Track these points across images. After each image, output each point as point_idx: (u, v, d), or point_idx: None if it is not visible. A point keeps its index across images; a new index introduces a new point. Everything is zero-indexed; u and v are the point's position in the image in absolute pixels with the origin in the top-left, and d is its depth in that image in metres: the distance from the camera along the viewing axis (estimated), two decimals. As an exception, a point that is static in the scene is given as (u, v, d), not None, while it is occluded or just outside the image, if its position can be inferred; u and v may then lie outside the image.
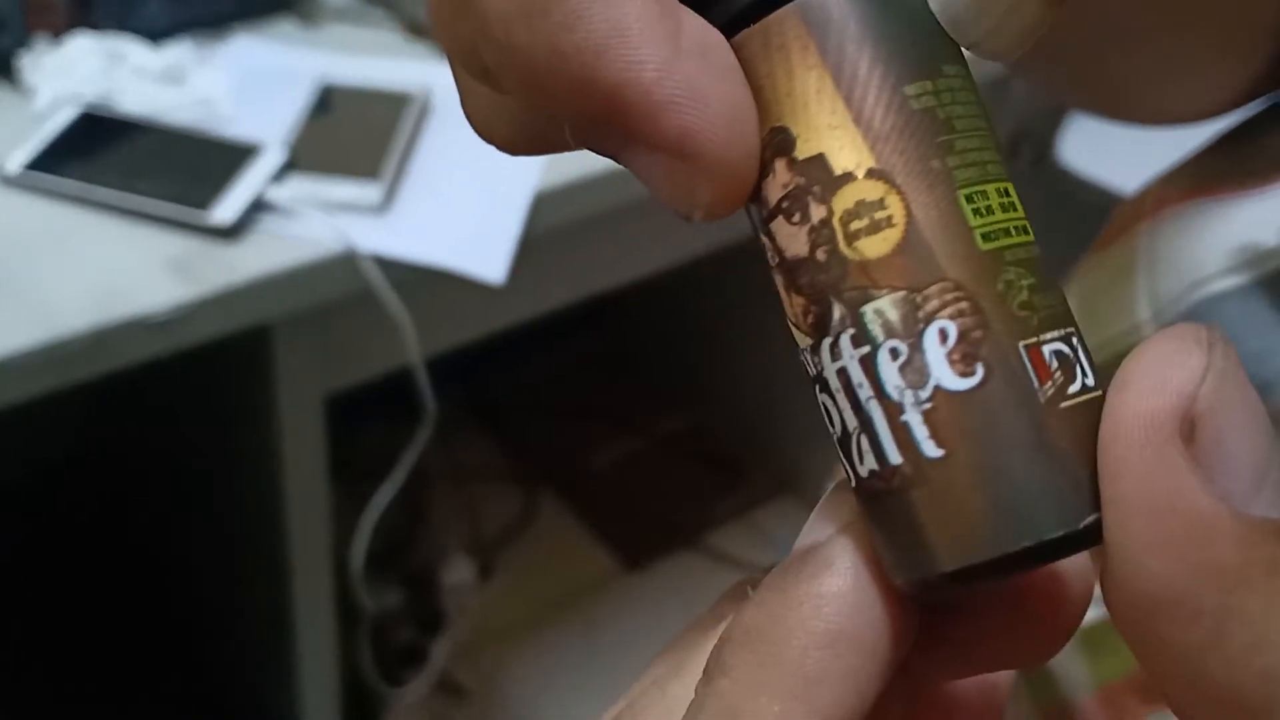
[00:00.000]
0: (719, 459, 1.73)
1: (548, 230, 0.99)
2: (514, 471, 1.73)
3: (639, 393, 1.82)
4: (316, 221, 0.91)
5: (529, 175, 0.98)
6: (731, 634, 0.18)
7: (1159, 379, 0.15)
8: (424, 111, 1.03)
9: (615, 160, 0.18)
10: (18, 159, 0.91)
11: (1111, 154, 1.41)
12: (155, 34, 1.04)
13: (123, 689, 1.41)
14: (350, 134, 1.00)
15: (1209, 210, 0.39)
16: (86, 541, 1.48)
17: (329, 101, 1.03)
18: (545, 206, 0.98)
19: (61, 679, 1.40)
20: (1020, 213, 0.18)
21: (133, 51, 1.01)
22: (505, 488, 1.71)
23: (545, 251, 1.00)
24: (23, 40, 0.99)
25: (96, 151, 0.93)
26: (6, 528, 1.40)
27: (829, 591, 0.17)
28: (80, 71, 0.98)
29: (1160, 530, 0.15)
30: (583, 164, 0.99)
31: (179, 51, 1.03)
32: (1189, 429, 0.15)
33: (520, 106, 0.20)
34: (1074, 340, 0.17)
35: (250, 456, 1.06)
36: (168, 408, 1.26)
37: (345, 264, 0.90)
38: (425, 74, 1.06)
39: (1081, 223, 0.49)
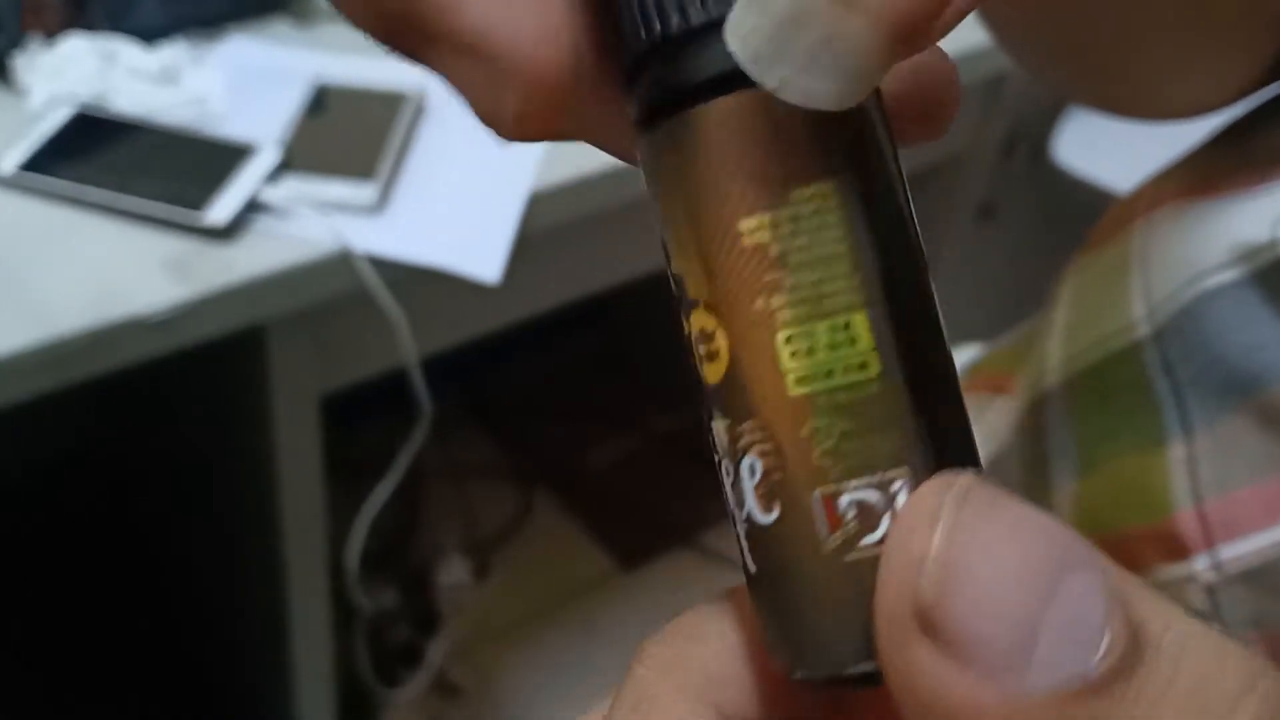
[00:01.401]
0: (715, 458, 1.73)
1: (543, 230, 0.99)
2: (510, 471, 1.73)
3: (635, 392, 1.82)
4: (311, 221, 0.91)
5: (524, 174, 0.98)
6: (660, 632, 0.18)
7: (890, 574, 0.15)
8: (419, 111, 1.03)
9: (425, 67, 0.17)
10: (12, 159, 0.91)
11: (1106, 153, 1.41)
12: (150, 34, 1.04)
13: (119, 688, 1.41)
14: (345, 134, 1.00)
15: (1203, 209, 0.39)
16: (83, 541, 1.48)
17: (324, 101, 1.03)
18: (541, 206, 0.98)
19: (58, 677, 1.40)
20: (861, 346, 0.17)
21: (127, 52, 1.01)
22: (501, 487, 1.71)
23: (541, 251, 1.00)
24: (17, 40, 0.99)
25: (91, 152, 0.93)
26: (4, 527, 1.40)
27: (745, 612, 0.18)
28: (75, 72, 0.98)
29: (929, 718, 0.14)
30: (579, 164, 0.99)
31: (173, 52, 1.03)
32: (927, 623, 0.14)
33: None
34: (894, 486, 0.17)
35: (246, 456, 1.06)
36: (164, 407, 1.26)
37: (340, 264, 0.90)
38: (420, 74, 1.06)
39: (1076, 222, 0.49)
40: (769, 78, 0.15)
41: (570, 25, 0.16)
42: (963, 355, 0.60)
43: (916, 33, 0.15)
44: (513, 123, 0.17)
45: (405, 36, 0.17)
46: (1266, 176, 0.37)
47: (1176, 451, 0.37)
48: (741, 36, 0.15)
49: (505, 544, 1.64)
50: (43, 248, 0.87)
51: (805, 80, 0.15)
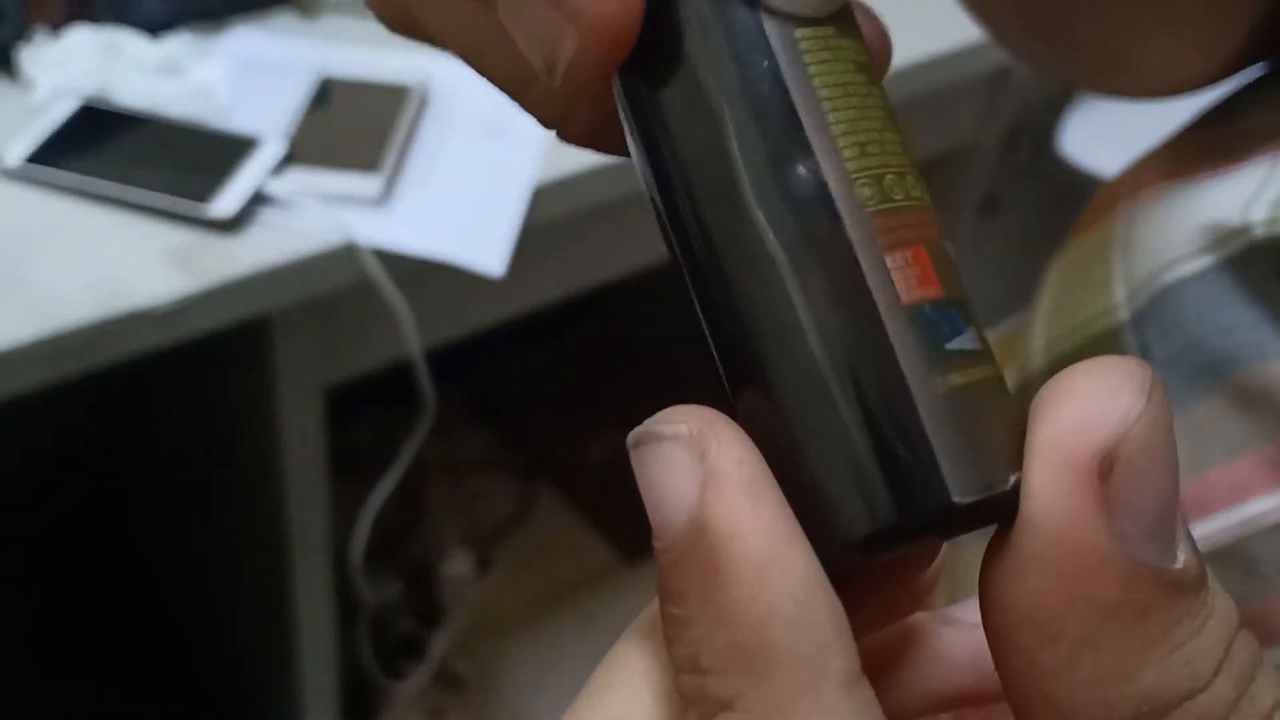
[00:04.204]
0: (718, 451, 1.72)
1: (547, 222, 0.99)
2: (512, 463, 1.73)
3: (638, 385, 1.82)
4: (316, 213, 0.91)
5: (528, 167, 0.98)
6: (703, 664, 0.16)
7: (1093, 411, 0.15)
8: (423, 104, 1.03)
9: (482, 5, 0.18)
10: (17, 151, 0.91)
11: (1111, 146, 1.41)
12: (154, 26, 1.04)
13: (122, 681, 1.41)
14: (349, 126, 1.00)
15: (1182, 192, 0.39)
16: (86, 534, 1.48)
17: (328, 94, 1.03)
18: (545, 198, 0.98)
19: (60, 671, 1.40)
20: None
21: (131, 44, 1.01)
22: (504, 480, 1.71)
23: (545, 243, 1.00)
24: (22, 33, 0.99)
25: (96, 144, 0.93)
26: (6, 518, 1.40)
27: (760, 564, 0.16)
28: (79, 64, 0.98)
29: (1052, 552, 0.15)
30: (583, 157, 0.99)
31: (178, 44, 1.03)
32: (1108, 467, 0.15)
33: None
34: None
35: (250, 448, 1.06)
36: (168, 400, 1.26)
37: (345, 256, 0.90)
38: (424, 66, 1.06)
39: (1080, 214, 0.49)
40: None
41: None
42: None
43: None
44: (565, 73, 0.17)
45: None
46: (1241, 158, 0.38)
47: None
48: None
49: (508, 536, 1.65)
50: (47, 240, 0.87)
51: None
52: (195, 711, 1.43)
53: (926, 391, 0.16)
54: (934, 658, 0.21)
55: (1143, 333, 0.39)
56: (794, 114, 0.17)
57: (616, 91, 0.18)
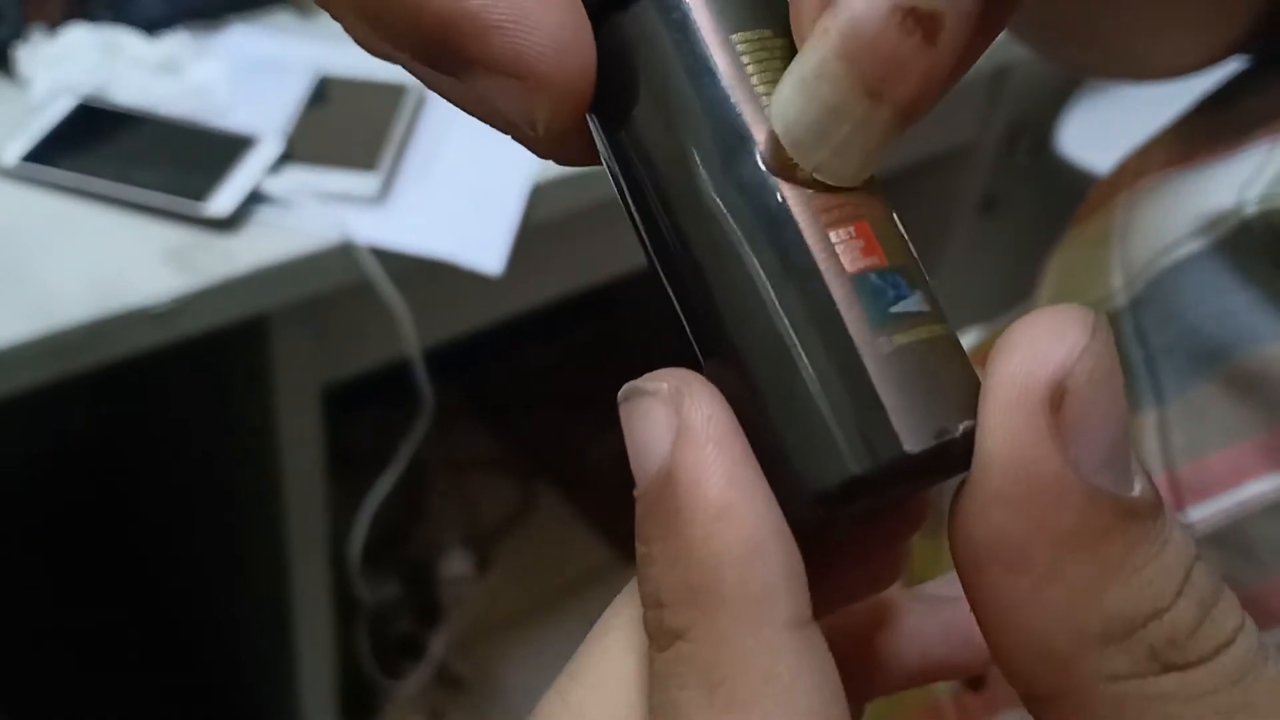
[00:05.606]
0: (717, 450, 1.72)
1: (546, 221, 0.99)
2: (512, 463, 1.73)
3: (637, 384, 1.82)
4: (313, 212, 0.91)
5: (526, 165, 0.98)
6: (662, 599, 0.18)
7: (1040, 348, 0.16)
8: (420, 102, 1.03)
9: (455, 90, 0.19)
10: (14, 150, 0.91)
11: (1110, 145, 1.40)
12: (152, 25, 1.04)
13: (120, 680, 1.41)
14: (347, 125, 1.00)
15: (1180, 179, 0.39)
16: (84, 531, 1.48)
17: (326, 92, 1.03)
18: (543, 197, 0.98)
19: (59, 669, 1.40)
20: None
21: (129, 42, 1.01)
22: (503, 479, 1.71)
23: (543, 242, 1.00)
24: (19, 31, 0.99)
25: (93, 143, 0.93)
26: (4, 517, 1.40)
27: (716, 509, 0.17)
28: (77, 62, 0.98)
29: (1012, 485, 0.16)
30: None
31: (175, 42, 1.03)
32: (1059, 399, 0.16)
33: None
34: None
35: (248, 447, 1.06)
36: (165, 399, 1.26)
37: (342, 255, 0.90)
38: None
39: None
40: (808, 162, 0.18)
41: (585, 29, 0.18)
42: (962, 341, 0.60)
43: (919, 114, 0.17)
44: (544, 125, 0.19)
45: (441, 60, 0.19)
46: (1238, 143, 0.38)
47: (1149, 419, 0.38)
48: (788, 122, 0.18)
49: (507, 536, 1.64)
50: (45, 238, 0.87)
51: (836, 164, 0.18)
52: (194, 710, 1.43)
53: (873, 351, 0.18)
54: (908, 632, 0.23)
55: (1140, 319, 0.39)
56: (738, 113, 0.18)
57: (590, 120, 0.20)
